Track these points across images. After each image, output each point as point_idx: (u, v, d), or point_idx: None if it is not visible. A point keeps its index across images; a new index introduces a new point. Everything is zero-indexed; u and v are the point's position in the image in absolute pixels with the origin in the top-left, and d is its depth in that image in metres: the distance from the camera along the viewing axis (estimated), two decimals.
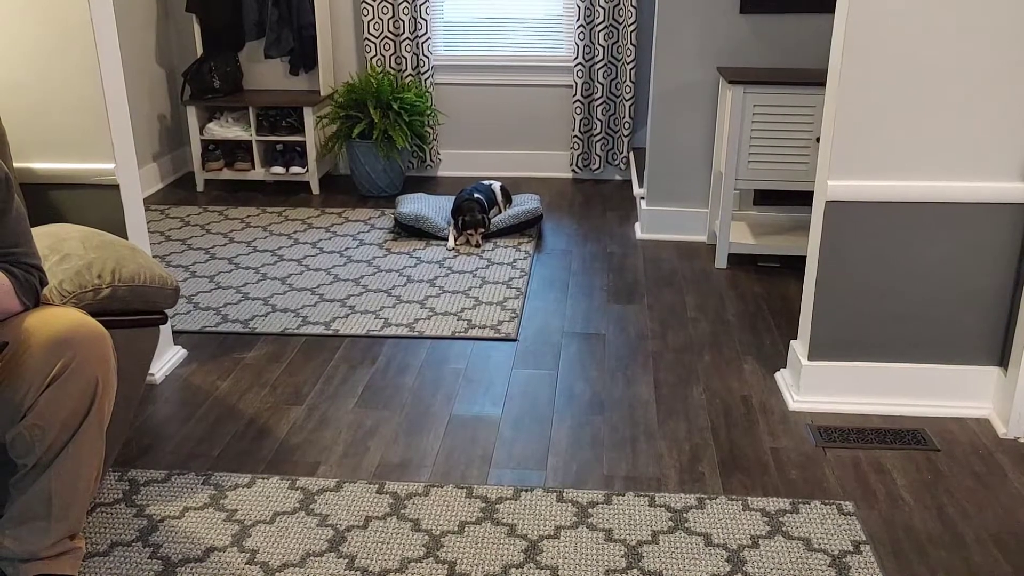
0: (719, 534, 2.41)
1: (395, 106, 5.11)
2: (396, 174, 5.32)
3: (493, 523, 2.45)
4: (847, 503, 2.53)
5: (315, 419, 2.98)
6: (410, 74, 5.43)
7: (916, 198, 2.80)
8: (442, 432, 2.90)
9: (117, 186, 2.95)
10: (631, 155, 5.37)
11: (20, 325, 1.99)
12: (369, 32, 5.36)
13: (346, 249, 4.45)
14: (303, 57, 5.45)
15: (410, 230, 4.57)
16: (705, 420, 2.96)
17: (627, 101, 5.34)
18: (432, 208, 4.71)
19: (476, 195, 4.61)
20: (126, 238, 2.91)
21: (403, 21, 5.31)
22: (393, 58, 5.43)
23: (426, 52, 5.40)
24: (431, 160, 5.66)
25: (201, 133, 5.33)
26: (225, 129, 5.34)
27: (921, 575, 2.28)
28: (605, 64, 5.31)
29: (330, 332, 3.57)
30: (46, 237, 2.44)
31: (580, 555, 2.33)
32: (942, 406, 2.98)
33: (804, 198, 4.02)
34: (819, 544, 2.37)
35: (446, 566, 2.29)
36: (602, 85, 5.35)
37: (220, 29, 5.31)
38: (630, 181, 5.41)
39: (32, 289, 2.07)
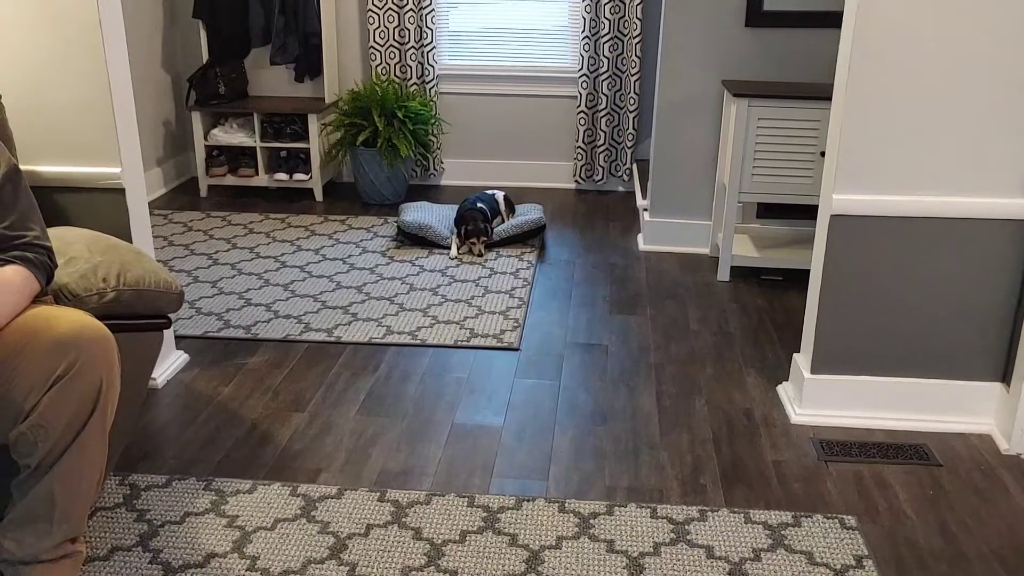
0: (721, 547, 2.40)
1: (399, 114, 5.12)
2: (400, 182, 5.32)
3: (495, 532, 2.44)
4: (849, 517, 2.53)
5: (317, 426, 2.97)
6: (415, 83, 5.44)
7: (921, 213, 2.80)
8: (444, 441, 2.90)
9: (123, 190, 2.95)
10: (634, 167, 5.38)
11: (25, 324, 1.99)
12: (374, 40, 5.37)
13: (349, 256, 4.45)
14: (308, 64, 5.46)
15: (413, 238, 4.58)
16: (707, 432, 2.96)
17: (631, 113, 5.35)
18: (435, 217, 4.71)
19: (479, 204, 4.61)
20: (131, 242, 2.91)
21: (408, 30, 5.33)
22: (398, 66, 5.44)
23: (431, 61, 5.41)
24: (435, 169, 5.66)
25: (205, 139, 5.33)
26: (229, 135, 5.35)
27: None
28: (610, 76, 5.32)
29: (332, 339, 3.57)
30: (51, 240, 2.43)
31: (582, 566, 2.33)
32: (944, 421, 2.98)
33: (806, 212, 4.03)
34: (821, 558, 2.36)
35: (447, 575, 2.29)
36: (606, 96, 5.36)
37: (226, 35, 5.32)
38: (633, 193, 5.41)
39: (46, 267, 2.18)
